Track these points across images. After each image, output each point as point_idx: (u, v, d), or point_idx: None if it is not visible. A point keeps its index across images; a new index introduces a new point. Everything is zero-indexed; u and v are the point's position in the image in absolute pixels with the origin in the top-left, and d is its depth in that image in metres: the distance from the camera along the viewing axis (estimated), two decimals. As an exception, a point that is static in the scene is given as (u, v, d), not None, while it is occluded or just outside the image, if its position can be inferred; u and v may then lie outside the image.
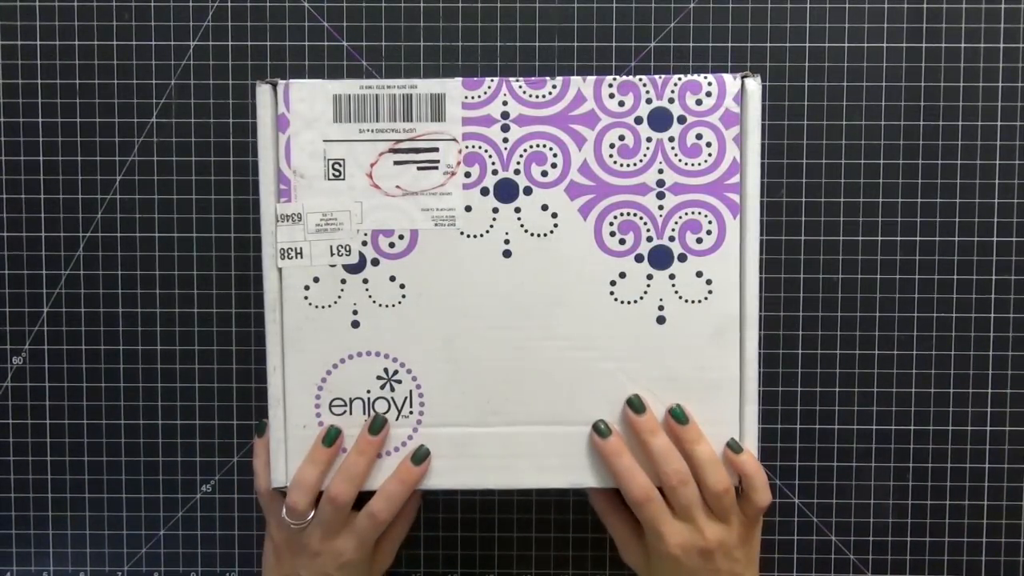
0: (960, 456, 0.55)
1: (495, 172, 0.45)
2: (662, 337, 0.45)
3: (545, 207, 0.45)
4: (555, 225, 0.45)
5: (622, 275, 0.45)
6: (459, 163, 0.45)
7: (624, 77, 0.44)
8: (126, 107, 0.54)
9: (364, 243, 0.45)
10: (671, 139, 0.44)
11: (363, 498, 0.45)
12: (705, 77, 0.44)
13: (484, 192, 0.45)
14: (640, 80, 0.44)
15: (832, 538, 0.56)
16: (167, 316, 0.55)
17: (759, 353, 0.45)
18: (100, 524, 0.56)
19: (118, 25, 0.54)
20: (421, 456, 0.45)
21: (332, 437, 0.45)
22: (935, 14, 0.53)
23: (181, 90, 0.54)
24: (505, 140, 0.45)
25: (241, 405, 0.55)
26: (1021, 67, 0.53)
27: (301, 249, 0.45)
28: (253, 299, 0.55)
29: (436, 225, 0.45)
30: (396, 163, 0.45)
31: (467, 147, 0.45)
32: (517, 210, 0.45)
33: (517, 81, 0.44)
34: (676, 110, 0.44)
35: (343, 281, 0.45)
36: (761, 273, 0.50)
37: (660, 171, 0.45)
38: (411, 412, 0.46)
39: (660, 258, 0.45)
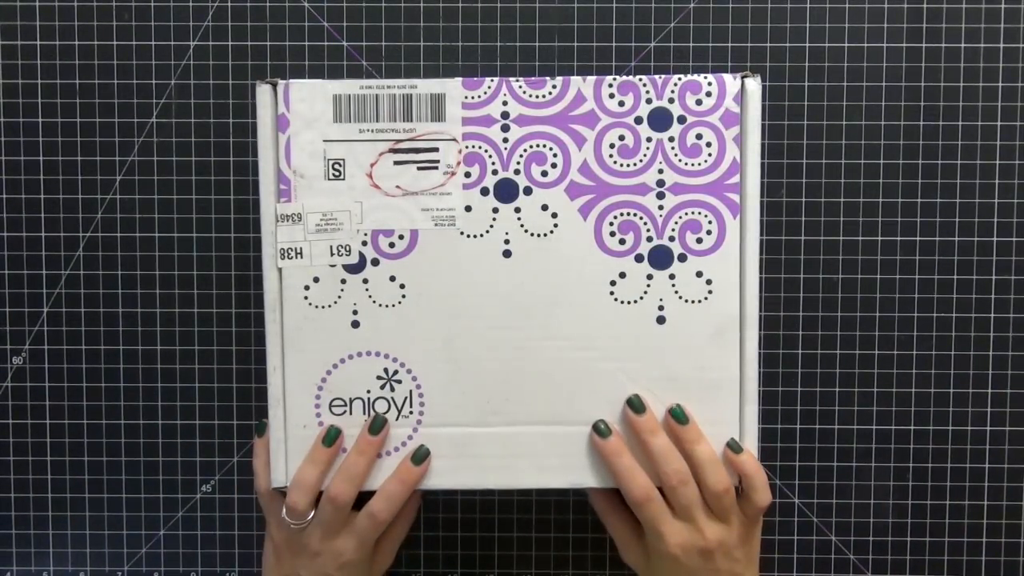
0: (960, 456, 0.55)
1: (495, 172, 0.45)
2: (662, 337, 0.45)
3: (545, 207, 0.45)
4: (555, 225, 0.45)
5: (622, 275, 0.45)
6: (459, 163, 0.45)
7: (624, 77, 0.44)
8: (126, 107, 0.54)
9: (364, 243, 0.45)
10: (671, 139, 0.44)
11: (363, 498, 0.45)
12: (705, 77, 0.44)
13: (484, 192, 0.45)
14: (640, 80, 0.44)
15: (832, 538, 0.56)
16: (167, 316, 0.55)
17: (759, 353, 0.45)
18: (100, 524, 0.56)
19: (118, 25, 0.54)
20: (421, 456, 0.45)
21: (332, 437, 0.45)
22: (935, 14, 0.53)
23: (181, 90, 0.54)
24: (505, 140, 0.45)
25: (241, 405, 0.55)
26: (1021, 67, 0.53)
27: (301, 249, 0.45)
28: (253, 299, 0.55)
29: (436, 225, 0.45)
30: (396, 163, 0.45)
31: (467, 147, 0.45)
32: (517, 210, 0.45)
33: (517, 81, 0.44)
34: (676, 110, 0.44)
35: (343, 281, 0.45)
36: (761, 273, 0.50)
37: (660, 171, 0.45)
38: (411, 412, 0.46)
39: (660, 258, 0.45)
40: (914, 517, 0.56)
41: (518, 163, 0.45)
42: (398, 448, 0.46)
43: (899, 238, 0.54)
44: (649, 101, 0.44)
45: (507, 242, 0.45)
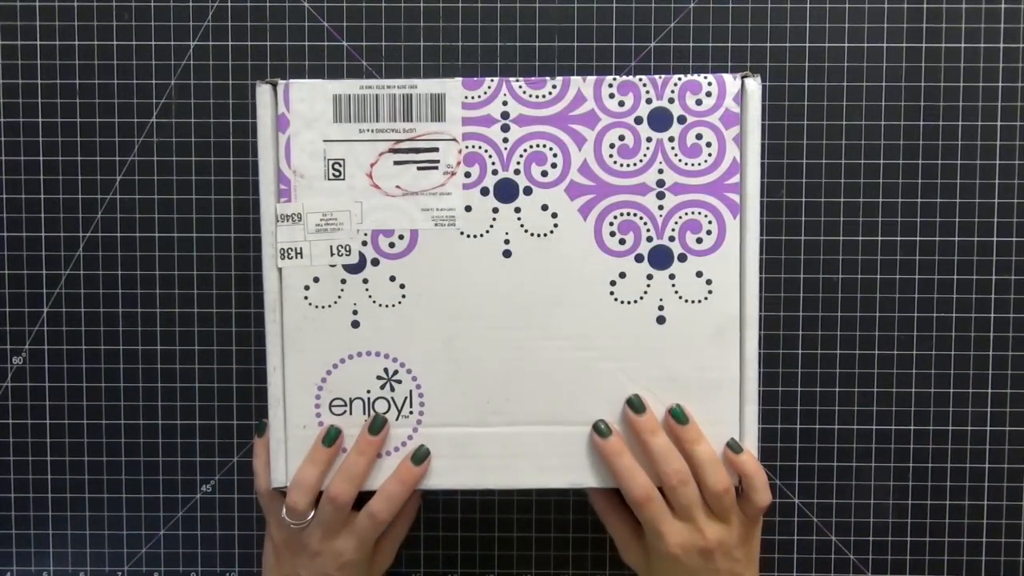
0: (960, 456, 0.55)
1: (495, 172, 0.45)
2: (662, 337, 0.45)
3: (545, 207, 0.45)
4: (555, 225, 0.45)
5: (622, 275, 0.45)
6: (459, 163, 0.45)
7: (624, 77, 0.44)
8: (126, 107, 0.54)
9: (364, 243, 0.45)
10: (671, 139, 0.44)
11: (363, 498, 0.45)
12: (705, 77, 0.44)
13: (484, 192, 0.45)
14: (640, 80, 0.44)
15: (832, 538, 0.56)
16: (167, 316, 0.55)
17: (759, 353, 0.45)
18: (100, 524, 0.56)
19: (118, 25, 0.54)
20: (421, 456, 0.45)
21: (332, 437, 0.45)
22: (935, 14, 0.53)
23: (181, 90, 0.54)
24: (505, 140, 0.45)
25: (241, 405, 0.55)
26: (1021, 67, 0.53)
27: (301, 249, 0.45)
28: (253, 299, 0.55)
29: (436, 225, 0.45)
30: (396, 163, 0.45)
31: (467, 147, 0.45)
32: (517, 210, 0.45)
33: (517, 81, 0.44)
34: (676, 110, 0.44)
35: (343, 281, 0.45)
36: (761, 273, 0.50)
37: (660, 171, 0.45)
38: (411, 412, 0.46)
39: (660, 258, 0.45)
40: (914, 517, 0.56)
41: (518, 163, 0.45)
42: (398, 448, 0.46)
43: (899, 238, 0.54)
44: (649, 101, 0.44)
45: (507, 242, 0.45)
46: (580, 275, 0.45)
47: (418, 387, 0.45)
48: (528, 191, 0.45)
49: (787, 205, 0.54)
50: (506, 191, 0.45)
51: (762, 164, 0.52)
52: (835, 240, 0.54)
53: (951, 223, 0.54)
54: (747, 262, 0.45)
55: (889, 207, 0.54)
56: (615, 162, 0.45)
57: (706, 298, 0.45)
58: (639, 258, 0.45)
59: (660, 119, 0.44)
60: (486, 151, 0.45)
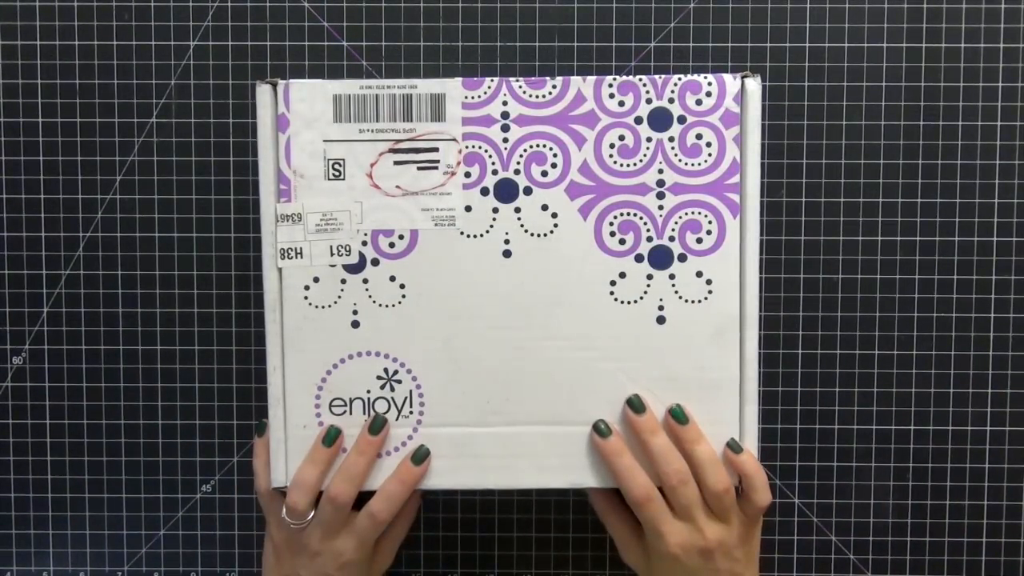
0: (960, 456, 0.55)
1: (495, 172, 0.45)
2: (662, 337, 0.45)
3: (545, 207, 0.45)
4: (555, 225, 0.45)
5: (622, 275, 0.45)
6: (459, 163, 0.45)
7: (624, 77, 0.44)
8: (126, 107, 0.54)
9: (364, 243, 0.45)
10: (671, 139, 0.44)
11: (363, 498, 0.45)
12: (705, 77, 0.44)
13: (484, 192, 0.45)
14: (640, 80, 0.44)
15: (832, 538, 0.56)
16: (167, 316, 0.55)
17: (759, 353, 0.45)
18: (100, 524, 0.56)
19: (118, 25, 0.54)
20: (421, 456, 0.45)
21: (332, 437, 0.45)
22: (935, 14, 0.53)
23: (181, 90, 0.54)
24: (505, 140, 0.45)
25: (241, 405, 0.55)
26: (1021, 67, 0.53)
27: (301, 249, 0.45)
28: (253, 299, 0.55)
29: (436, 225, 0.45)
30: (396, 163, 0.45)
31: (467, 147, 0.45)
32: (517, 210, 0.45)
33: (517, 81, 0.44)
34: (676, 110, 0.44)
35: (343, 281, 0.45)
36: (761, 273, 0.50)
37: (660, 171, 0.45)
38: (411, 412, 0.46)
39: (660, 258, 0.45)
40: (914, 517, 0.56)
41: (518, 163, 0.45)
42: (398, 448, 0.46)
43: (899, 238, 0.54)
44: (649, 101, 0.44)
45: (507, 242, 0.45)
46: (580, 275, 0.45)
47: (418, 387, 0.45)
48: (528, 191, 0.45)
49: (787, 205, 0.54)
50: (506, 191, 0.45)
51: (762, 164, 0.52)
52: (835, 240, 0.54)
53: (951, 223, 0.54)
54: (747, 262, 0.45)
55: (889, 207, 0.54)
56: (615, 162, 0.45)
57: (706, 298, 0.45)
58: (639, 258, 0.45)
59: (660, 119, 0.44)
60: (486, 151, 0.45)
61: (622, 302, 0.45)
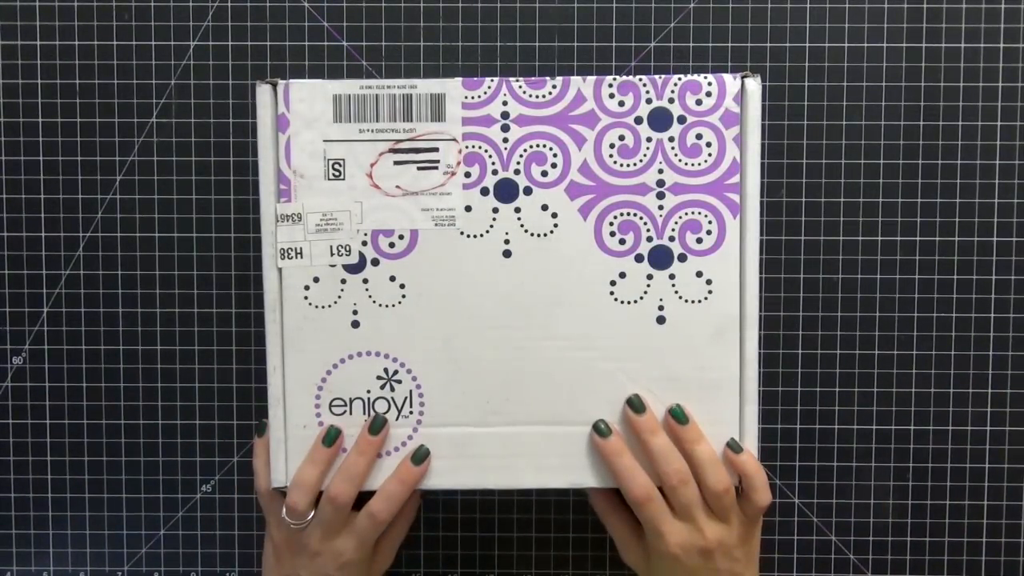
0: (960, 456, 0.55)
1: (495, 172, 0.45)
2: (662, 337, 0.45)
3: (545, 207, 0.45)
4: (555, 225, 0.45)
5: (622, 275, 0.45)
6: (459, 163, 0.45)
7: (624, 77, 0.44)
8: (126, 107, 0.54)
9: (364, 243, 0.45)
10: (671, 139, 0.44)
11: (363, 498, 0.45)
12: (705, 77, 0.44)
13: (484, 192, 0.45)
14: (640, 80, 0.44)
15: (832, 538, 0.56)
16: (167, 316, 0.55)
17: (759, 353, 0.45)
18: (100, 524, 0.56)
19: (118, 25, 0.54)
20: (421, 456, 0.45)
21: (332, 437, 0.45)
22: (935, 14, 0.53)
23: (181, 90, 0.54)
24: (505, 140, 0.45)
25: (241, 405, 0.55)
26: (1021, 67, 0.53)
27: (301, 249, 0.45)
28: (253, 299, 0.55)
29: (436, 225, 0.45)
30: (396, 163, 0.45)
31: (467, 147, 0.45)
32: (517, 210, 0.45)
33: (517, 81, 0.44)
34: (676, 110, 0.44)
35: (343, 281, 0.45)
36: (761, 273, 0.50)
37: (660, 171, 0.45)
38: (411, 412, 0.46)
39: (660, 258, 0.45)
40: (914, 517, 0.56)
41: (518, 163, 0.45)
42: (398, 448, 0.46)
43: (899, 238, 0.54)
44: (649, 101, 0.44)
45: (507, 242, 0.45)
46: (580, 275, 0.45)
47: (418, 387, 0.45)
48: (528, 191, 0.45)
49: (787, 205, 0.54)
50: (506, 191, 0.45)
51: (762, 164, 0.52)
52: (835, 240, 0.54)
53: (951, 223, 0.54)
54: (747, 262, 0.45)
55: (889, 207, 0.54)
56: (615, 162, 0.45)
57: (706, 298, 0.45)
58: (639, 258, 0.45)
59: (660, 119, 0.44)
60: (486, 151, 0.45)
61: (622, 302, 0.45)
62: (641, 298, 0.45)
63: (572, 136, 0.44)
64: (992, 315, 0.55)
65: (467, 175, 0.45)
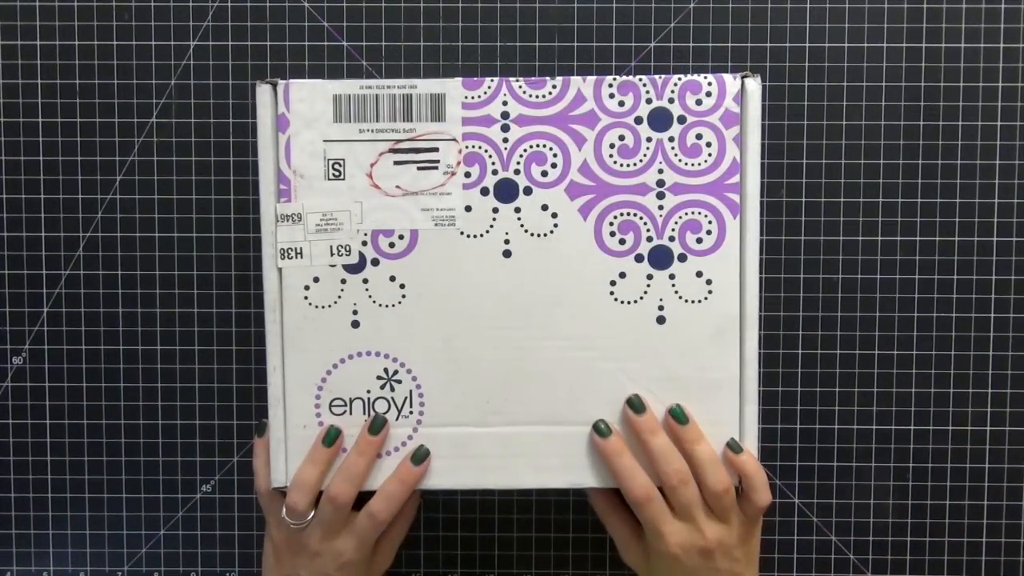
0: (960, 456, 0.55)
1: (495, 172, 0.45)
2: (662, 337, 0.45)
3: (545, 207, 0.45)
4: (555, 225, 0.45)
5: (622, 275, 0.45)
6: (459, 163, 0.45)
7: (624, 77, 0.44)
8: (126, 107, 0.54)
9: (364, 243, 0.45)
10: (671, 139, 0.44)
11: (363, 498, 0.45)
12: (705, 77, 0.44)
13: (484, 192, 0.45)
14: (640, 80, 0.44)
15: (832, 538, 0.56)
16: (167, 316, 0.55)
17: (759, 353, 0.45)
18: (100, 524, 0.56)
19: (118, 25, 0.54)
20: (421, 456, 0.45)
21: (332, 437, 0.45)
22: (935, 14, 0.53)
23: (181, 90, 0.54)
24: (505, 140, 0.45)
25: (241, 405, 0.55)
26: (1021, 67, 0.53)
27: (301, 249, 0.45)
28: (253, 299, 0.55)
29: (436, 225, 0.45)
30: (396, 163, 0.45)
31: (467, 147, 0.45)
32: (517, 210, 0.45)
33: (517, 81, 0.44)
34: (676, 110, 0.44)
35: (343, 281, 0.45)
36: (761, 273, 0.50)
37: (660, 171, 0.45)
38: (411, 412, 0.46)
39: (660, 258, 0.45)
40: (914, 517, 0.56)
41: (518, 163, 0.45)
42: (398, 448, 0.46)
43: (899, 238, 0.54)
44: (649, 101, 0.44)
45: (507, 242, 0.45)
46: (580, 275, 0.45)
47: (418, 387, 0.45)
48: (528, 191, 0.45)
49: (787, 205, 0.54)
50: (506, 191, 0.45)
51: (762, 164, 0.52)
52: (835, 240, 0.54)
53: (951, 223, 0.54)
54: (747, 262, 0.45)
55: (889, 207, 0.54)
56: (615, 162, 0.45)
57: (706, 298, 0.45)
58: (639, 258, 0.45)
59: (660, 119, 0.44)
60: (486, 151, 0.45)
61: (622, 302, 0.45)
62: (641, 298, 0.45)
63: (572, 136, 0.44)
64: (992, 315, 0.55)
65: (467, 175, 0.45)
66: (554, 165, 0.45)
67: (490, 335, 0.45)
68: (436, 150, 0.45)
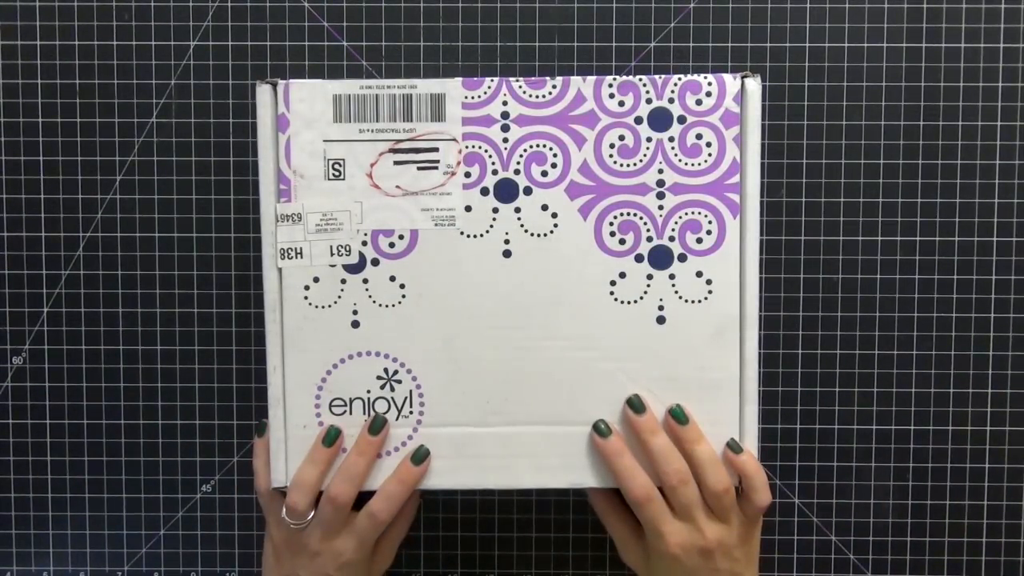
0: (960, 456, 0.55)
1: (495, 172, 0.45)
2: (662, 337, 0.45)
3: (545, 207, 0.45)
4: (555, 225, 0.45)
5: (622, 275, 0.45)
6: (459, 163, 0.45)
7: (624, 77, 0.44)
8: (126, 107, 0.54)
9: (364, 243, 0.45)
10: (671, 139, 0.44)
11: (363, 498, 0.45)
12: (705, 77, 0.44)
13: (484, 192, 0.45)
14: (640, 80, 0.44)
15: (832, 538, 0.56)
16: (167, 316, 0.55)
17: (759, 353, 0.45)
18: (100, 524, 0.56)
19: (118, 25, 0.54)
20: (421, 456, 0.45)
21: (332, 437, 0.45)
22: (935, 14, 0.53)
23: (181, 90, 0.54)
24: (505, 140, 0.45)
25: (241, 405, 0.55)
26: (1021, 67, 0.53)
27: (301, 249, 0.45)
28: (253, 299, 0.55)
29: (436, 225, 0.45)
30: (396, 163, 0.45)
31: (467, 147, 0.45)
32: (517, 210, 0.45)
33: (517, 81, 0.44)
34: (676, 110, 0.44)
35: (343, 281, 0.45)
36: (761, 273, 0.50)
37: (660, 171, 0.45)
38: (411, 412, 0.46)
39: (660, 258, 0.45)
40: (914, 517, 0.56)
41: (518, 163, 0.45)
42: (398, 448, 0.46)
43: (899, 238, 0.54)
44: (649, 101, 0.44)
45: (507, 242, 0.45)
46: (580, 275, 0.45)
47: (418, 387, 0.45)
48: (528, 191, 0.45)
49: (787, 205, 0.54)
50: (506, 191, 0.45)
51: (762, 164, 0.52)
52: (835, 240, 0.54)
53: (951, 223, 0.54)
54: (747, 262, 0.45)
55: (889, 207, 0.54)
56: (615, 162, 0.45)
57: (706, 298, 0.45)
58: (639, 258, 0.45)
59: (660, 119, 0.44)
60: (486, 151, 0.45)
61: (622, 302, 0.45)
62: (641, 298, 0.45)
63: (572, 136, 0.44)
64: (992, 315, 0.55)
65: (467, 175, 0.45)
66: (554, 165, 0.45)
67: (490, 335, 0.45)
68: (436, 150, 0.45)
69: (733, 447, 0.45)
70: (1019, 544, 0.56)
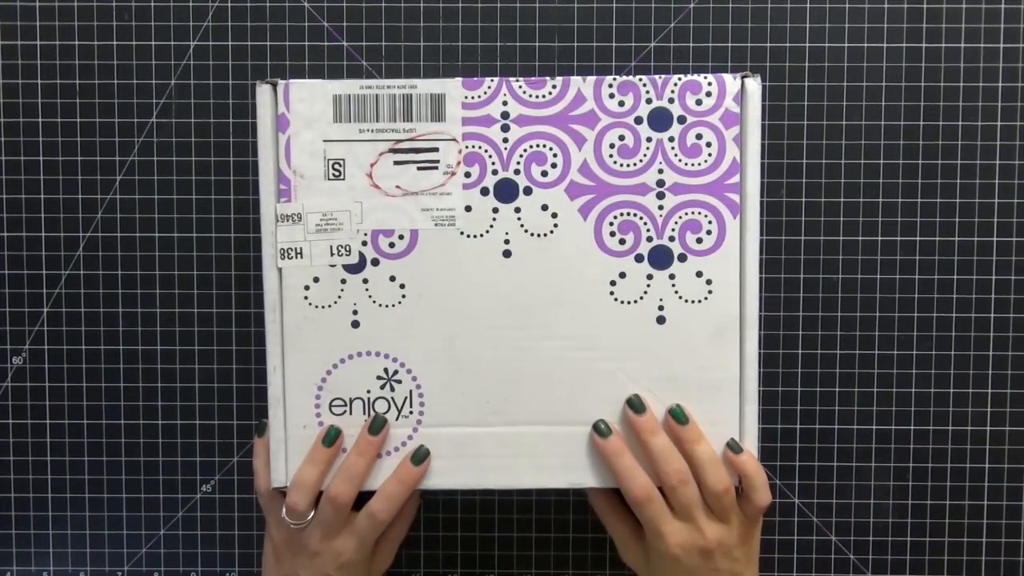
0: (960, 456, 0.55)
1: (495, 172, 0.45)
2: (662, 337, 0.45)
3: (545, 207, 0.45)
4: (555, 225, 0.45)
5: (622, 275, 0.45)
6: (459, 163, 0.45)
7: (624, 77, 0.44)
8: (126, 107, 0.54)
9: (364, 243, 0.45)
10: (671, 139, 0.44)
11: (363, 498, 0.45)
12: (705, 77, 0.44)
13: (484, 192, 0.45)
14: (640, 80, 0.44)
15: (832, 538, 0.56)
16: (167, 316, 0.55)
17: (759, 353, 0.45)
18: (100, 524, 0.56)
19: (118, 25, 0.54)
20: (421, 456, 0.45)
21: (332, 437, 0.45)
22: (935, 14, 0.53)
23: (181, 90, 0.54)
24: (505, 140, 0.45)
25: (241, 405, 0.55)
26: (1021, 67, 0.53)
27: (301, 249, 0.45)
28: (253, 299, 0.55)
29: (436, 225, 0.45)
30: (396, 163, 0.45)
31: (467, 147, 0.45)
32: (517, 210, 0.45)
33: (517, 81, 0.44)
34: (676, 110, 0.44)
35: (343, 281, 0.45)
36: (761, 273, 0.50)
37: (660, 171, 0.45)
38: (411, 412, 0.46)
39: (660, 258, 0.45)
40: (914, 517, 0.56)
41: (518, 163, 0.45)
42: (398, 448, 0.46)
43: (899, 238, 0.54)
44: (649, 101, 0.44)
45: (507, 242, 0.45)
46: (580, 275, 0.45)
47: (418, 387, 0.45)
48: (528, 191, 0.45)
49: (787, 205, 0.54)
50: (506, 191, 0.45)
51: (762, 164, 0.52)
52: (835, 240, 0.54)
53: (951, 223, 0.54)
54: (747, 262, 0.45)
55: (889, 207, 0.54)
56: (615, 162, 0.45)
57: (706, 298, 0.45)
58: (639, 258, 0.45)
59: (660, 119, 0.44)
60: (486, 151, 0.45)
61: (622, 302, 0.45)
62: (641, 298, 0.45)
63: (572, 136, 0.44)
64: (992, 315, 0.55)
65: (467, 175, 0.45)
66: (554, 165, 0.45)
67: (490, 335, 0.45)
68: (436, 150, 0.45)
69: (733, 447, 0.45)
70: (1019, 544, 0.56)
